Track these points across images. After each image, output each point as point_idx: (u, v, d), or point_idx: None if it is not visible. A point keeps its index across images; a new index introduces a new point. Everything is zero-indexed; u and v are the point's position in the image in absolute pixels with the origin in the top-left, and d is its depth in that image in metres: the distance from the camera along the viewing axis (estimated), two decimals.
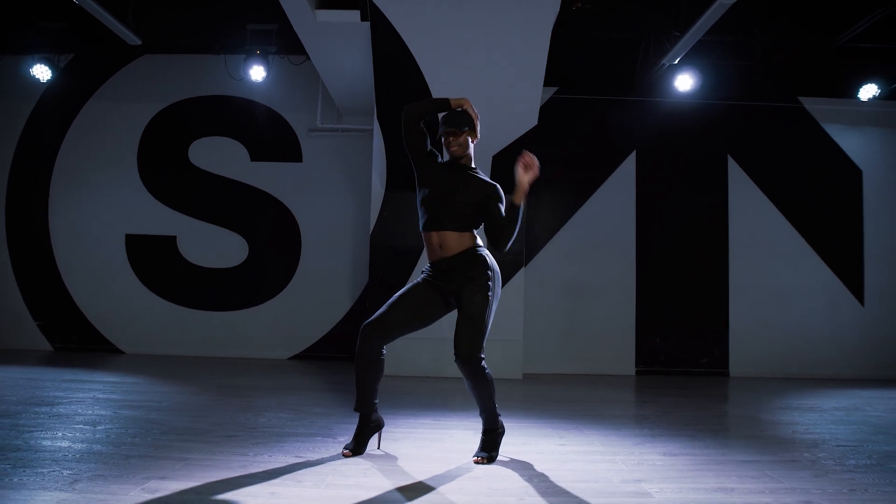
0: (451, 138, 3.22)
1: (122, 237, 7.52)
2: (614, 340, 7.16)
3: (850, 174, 7.45)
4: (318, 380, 5.93)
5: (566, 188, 7.27)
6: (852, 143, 7.47)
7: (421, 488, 2.68)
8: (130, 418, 3.85)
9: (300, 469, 2.88)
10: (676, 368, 7.14)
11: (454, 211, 3.16)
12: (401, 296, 3.20)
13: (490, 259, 3.19)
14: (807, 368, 7.16)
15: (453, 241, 3.15)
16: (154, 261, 7.51)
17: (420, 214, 3.27)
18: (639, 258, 7.25)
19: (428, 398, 5.12)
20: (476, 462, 3.10)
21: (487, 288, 3.10)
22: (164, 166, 7.56)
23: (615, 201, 7.28)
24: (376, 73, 5.87)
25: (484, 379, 3.11)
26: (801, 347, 7.25)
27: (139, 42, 6.34)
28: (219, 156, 7.55)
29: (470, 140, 3.27)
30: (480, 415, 3.23)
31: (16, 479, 2.53)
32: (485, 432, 3.21)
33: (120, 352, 7.39)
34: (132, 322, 7.43)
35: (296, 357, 7.42)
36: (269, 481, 2.68)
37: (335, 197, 7.55)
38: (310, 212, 7.55)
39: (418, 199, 3.29)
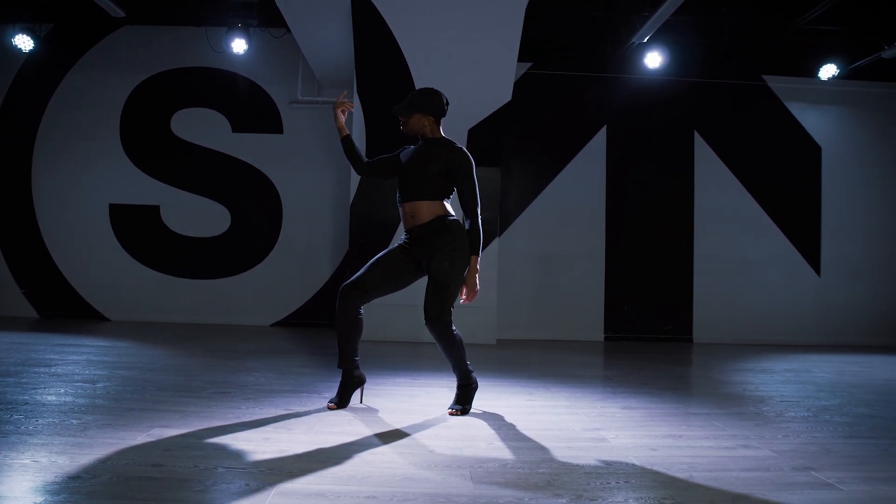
0: (400, 119, 3.52)
1: (105, 207, 7.66)
2: (584, 308, 7.50)
3: (810, 150, 7.81)
4: (300, 344, 6.19)
5: (539, 161, 7.55)
6: (813, 120, 7.82)
7: (399, 435, 2.96)
8: (126, 377, 4.09)
9: (289, 419, 3.15)
10: (643, 335, 7.52)
11: (421, 182, 3.41)
12: (377, 260, 3.47)
13: (458, 228, 3.41)
14: (766, 335, 7.58)
15: (423, 209, 3.41)
16: (138, 230, 7.67)
17: (397, 192, 3.55)
18: (608, 229, 7.57)
19: (407, 361, 5.41)
20: (451, 414, 3.40)
21: (454, 256, 3.36)
22: (147, 137, 7.68)
23: (586, 174, 7.57)
24: (356, 48, 6.05)
25: (452, 339, 3.40)
26: (760, 315, 7.66)
27: (123, 14, 6.44)
28: (200, 127, 7.69)
29: (419, 120, 3.47)
30: (454, 371, 3.52)
31: (31, 427, 2.77)
32: (459, 387, 3.51)
33: (105, 319, 7.58)
34: (117, 290, 7.61)
35: (278, 324, 7.66)
36: (262, 429, 2.95)
37: (315, 168, 7.75)
38: (290, 182, 7.74)
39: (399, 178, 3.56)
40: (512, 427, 3.19)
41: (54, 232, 7.66)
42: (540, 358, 5.99)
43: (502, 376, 4.70)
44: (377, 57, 6.11)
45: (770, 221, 7.73)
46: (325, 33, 6.28)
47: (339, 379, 3.53)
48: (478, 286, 3.39)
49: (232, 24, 7.04)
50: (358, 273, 3.44)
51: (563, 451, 2.77)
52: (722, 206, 7.70)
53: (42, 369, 4.24)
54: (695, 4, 6.44)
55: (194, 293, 7.64)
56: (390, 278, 3.42)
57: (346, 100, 3.70)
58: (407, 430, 3.04)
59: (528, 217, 7.50)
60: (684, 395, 4.30)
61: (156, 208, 7.67)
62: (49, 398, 3.39)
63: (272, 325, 7.66)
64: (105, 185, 7.67)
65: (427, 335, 6.44)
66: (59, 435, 2.69)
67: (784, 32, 7.14)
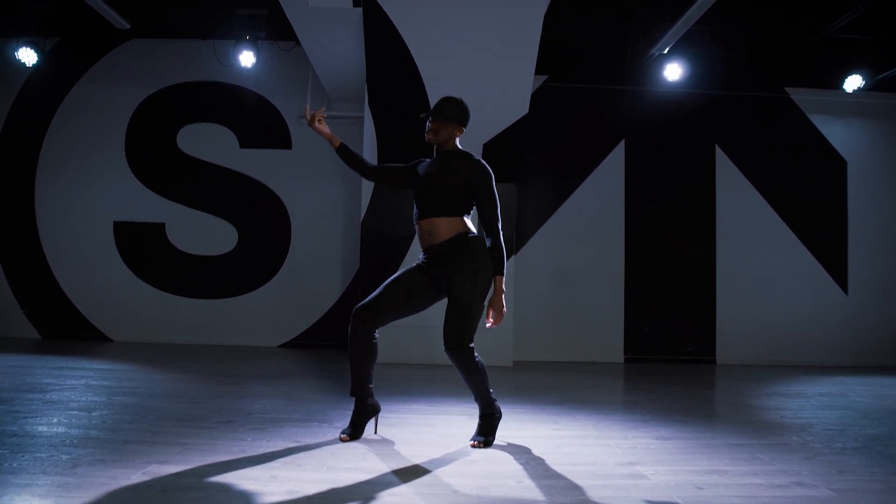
0: (428, 124, 3.25)
1: (109, 224, 7.45)
2: (603, 328, 7.22)
3: (834, 165, 7.55)
4: (309, 367, 5.94)
5: (556, 176, 7.31)
6: (837, 133, 7.56)
7: (419, 471, 2.71)
8: (125, 404, 3.85)
9: (299, 453, 2.90)
10: (664, 356, 7.22)
11: (439, 197, 3.18)
12: (393, 280, 3.22)
13: (480, 245, 3.17)
14: (792, 356, 7.27)
15: (442, 226, 3.17)
16: (142, 248, 7.45)
17: (413, 208, 3.31)
18: (627, 247, 7.31)
19: (422, 385, 5.15)
20: (473, 446, 3.14)
21: (476, 276, 3.10)
22: (153, 152, 7.50)
23: (604, 190, 7.32)
24: (368, 60, 5.85)
25: (474, 367, 3.13)
26: (786, 335, 7.35)
27: (128, 26, 6.28)
28: (207, 142, 7.49)
29: (451, 130, 3.25)
30: (475, 400, 3.26)
31: (15, 465, 2.53)
32: (482, 417, 3.25)
33: (108, 339, 7.35)
34: (121, 310, 7.38)
35: (286, 345, 7.42)
36: (269, 464, 2.70)
37: (325, 184, 7.53)
38: (299, 199, 7.53)
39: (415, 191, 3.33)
40: (540, 461, 2.93)
41: (57, 250, 7.46)
42: (560, 381, 5.72)
43: (523, 402, 4.44)
44: (389, 69, 5.91)
45: (794, 238, 7.45)
46: (335, 45, 6.10)
47: (352, 407, 3.28)
48: (504, 308, 3.14)
49: (239, 37, 6.87)
50: (372, 294, 3.20)
51: (599, 491, 2.51)
52: (744, 221, 7.43)
53: (37, 395, 4.01)
54: (716, 14, 6.23)
55: (200, 313, 7.40)
56: (407, 300, 3.17)
57: (313, 111, 3.43)
58: (427, 466, 2.79)
59: (544, 234, 7.25)
60: (719, 423, 4.02)
61: (161, 226, 7.46)
62: (40, 429, 3.15)
63: (280, 346, 7.41)
64: (109, 202, 7.47)
65: (442, 357, 6.16)
66: (46, 473, 2.44)
67: (808, 43, 6.90)
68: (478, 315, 3.10)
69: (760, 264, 7.41)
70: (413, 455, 2.95)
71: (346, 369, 3.24)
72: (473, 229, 3.22)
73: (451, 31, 5.54)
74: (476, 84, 5.71)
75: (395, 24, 5.47)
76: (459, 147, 3.32)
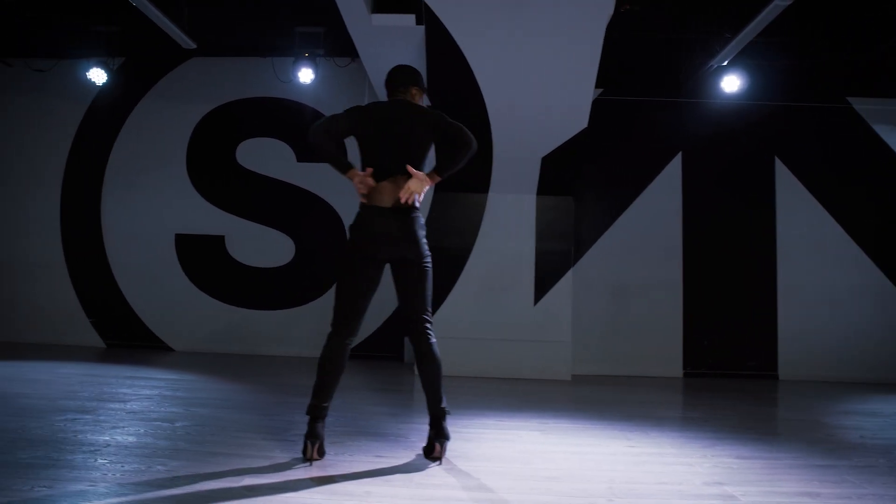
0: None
1: (171, 237, 7.64)
2: (661, 342, 7.12)
3: None
4: (370, 379, 5.98)
5: (612, 190, 7.26)
6: None
7: (508, 487, 2.71)
8: (204, 416, 3.93)
9: (384, 468, 2.93)
10: (724, 371, 7.09)
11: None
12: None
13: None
14: (857, 372, 7.06)
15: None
16: (203, 260, 7.62)
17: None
18: (686, 259, 7.21)
19: (484, 399, 5.14)
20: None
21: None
22: (213, 167, 7.67)
23: (661, 203, 7.24)
24: (429, 77, 5.90)
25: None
26: (850, 350, 7.15)
27: (194, 46, 6.44)
28: (266, 156, 7.64)
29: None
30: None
31: (118, 475, 2.61)
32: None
33: (170, 349, 7.52)
34: (182, 320, 7.55)
35: None
36: (359, 480, 2.73)
37: None
38: (355, 211, 7.57)
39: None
40: (625, 480, 2.91)
41: (122, 262, 7.67)
42: (622, 396, 5.66)
43: (590, 417, 4.40)
44: (449, 85, 5.94)
45: (859, 250, 7.26)
46: (396, 62, 6.14)
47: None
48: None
49: (298, 55, 7.01)
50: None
51: None
52: (806, 234, 7.26)
53: (117, 405, 4.12)
54: (776, 25, 6.12)
55: (258, 324, 7.52)
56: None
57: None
58: (514, 481, 2.79)
59: (601, 247, 7.20)
60: (797, 442, 3.93)
61: (221, 238, 7.62)
62: (130, 439, 3.24)
63: None
64: (171, 215, 7.66)
65: (491, 369, 6.15)
66: (149, 485, 2.52)
67: (871, 51, 6.74)
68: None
69: (823, 278, 7.23)
70: (497, 471, 2.95)
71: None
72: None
73: (512, 47, 5.55)
74: (536, 100, 5.72)
75: (457, 42, 5.50)
76: None
